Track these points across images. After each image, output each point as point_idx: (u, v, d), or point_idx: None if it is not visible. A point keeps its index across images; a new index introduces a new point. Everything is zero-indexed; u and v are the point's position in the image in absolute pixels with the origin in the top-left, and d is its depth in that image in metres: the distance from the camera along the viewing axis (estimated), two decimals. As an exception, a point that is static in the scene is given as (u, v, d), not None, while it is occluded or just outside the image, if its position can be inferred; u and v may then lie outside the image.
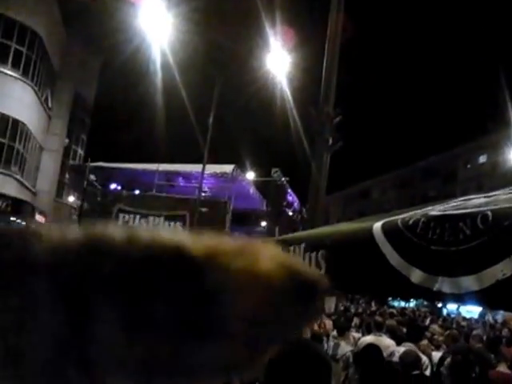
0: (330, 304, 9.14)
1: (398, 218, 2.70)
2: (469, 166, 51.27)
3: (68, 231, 0.59)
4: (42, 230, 0.61)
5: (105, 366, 0.54)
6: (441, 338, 8.62)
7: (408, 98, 72.44)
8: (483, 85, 65.05)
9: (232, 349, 0.56)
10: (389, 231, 2.69)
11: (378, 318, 8.93)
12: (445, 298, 2.31)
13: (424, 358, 7.05)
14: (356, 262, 3.03)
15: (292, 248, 3.86)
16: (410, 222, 2.52)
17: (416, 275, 2.44)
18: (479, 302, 2.31)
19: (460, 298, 2.27)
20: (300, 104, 15.80)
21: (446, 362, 6.08)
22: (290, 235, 4.75)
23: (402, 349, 6.77)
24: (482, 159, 49.62)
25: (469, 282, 2.16)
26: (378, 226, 2.79)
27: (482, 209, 2.17)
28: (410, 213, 2.70)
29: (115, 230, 0.59)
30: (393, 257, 2.60)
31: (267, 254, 0.59)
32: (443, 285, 2.29)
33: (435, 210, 2.56)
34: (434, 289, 2.33)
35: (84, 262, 0.55)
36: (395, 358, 6.66)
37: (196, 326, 0.54)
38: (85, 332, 0.54)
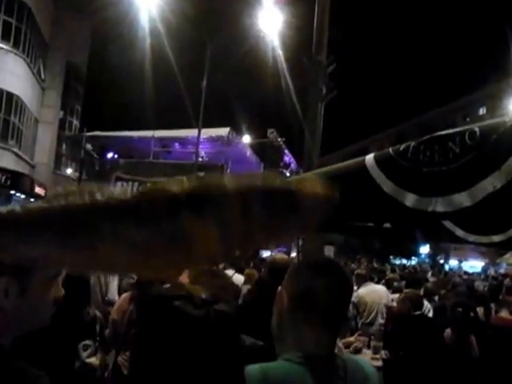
0: (329, 253, 9.29)
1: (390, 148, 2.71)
2: (468, 119, 50.70)
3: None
4: None
5: None
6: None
7: (404, 51, 71.62)
8: (481, 34, 64.33)
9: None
10: (381, 160, 2.70)
11: (361, 271, 9.45)
12: (439, 217, 2.34)
13: (426, 303, 7.24)
14: (351, 195, 3.02)
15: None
16: (401, 148, 2.53)
17: (410, 199, 2.46)
18: (472, 219, 2.33)
19: (454, 216, 2.30)
20: (293, 62, 15.64)
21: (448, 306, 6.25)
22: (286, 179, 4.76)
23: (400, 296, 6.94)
24: (482, 111, 49.18)
25: (461, 199, 2.18)
26: (370, 157, 2.80)
27: (469, 126, 2.18)
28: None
29: None
30: (386, 184, 2.61)
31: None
32: (437, 205, 2.31)
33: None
34: (429, 210, 2.35)
35: None
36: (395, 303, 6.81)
37: None
38: None
